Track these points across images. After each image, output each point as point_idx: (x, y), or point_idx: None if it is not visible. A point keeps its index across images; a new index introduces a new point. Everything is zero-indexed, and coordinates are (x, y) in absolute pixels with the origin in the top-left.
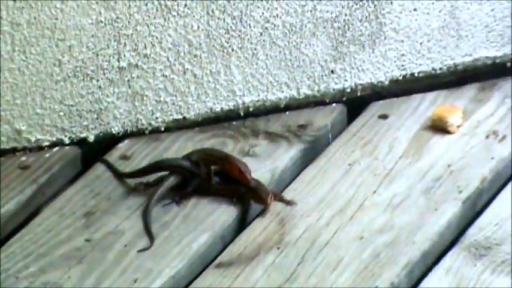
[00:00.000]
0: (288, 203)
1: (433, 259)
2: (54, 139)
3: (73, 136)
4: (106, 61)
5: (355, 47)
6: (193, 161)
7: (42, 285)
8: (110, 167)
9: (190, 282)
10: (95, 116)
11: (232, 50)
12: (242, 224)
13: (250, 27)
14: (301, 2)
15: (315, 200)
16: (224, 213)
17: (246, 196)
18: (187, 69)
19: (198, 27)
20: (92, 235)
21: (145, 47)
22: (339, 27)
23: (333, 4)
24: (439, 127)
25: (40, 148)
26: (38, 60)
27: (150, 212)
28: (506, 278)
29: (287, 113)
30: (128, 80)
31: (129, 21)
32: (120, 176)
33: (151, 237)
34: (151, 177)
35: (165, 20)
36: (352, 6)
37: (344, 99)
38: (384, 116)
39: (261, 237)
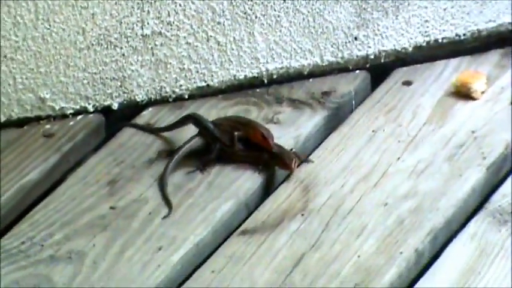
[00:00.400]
0: (307, 161)
1: (458, 225)
2: (78, 107)
3: (97, 104)
4: (129, 29)
5: (379, 14)
6: (217, 125)
7: (66, 253)
8: (140, 127)
9: (215, 250)
10: (119, 83)
11: (256, 17)
12: (266, 191)
13: None
14: None
15: (338, 167)
16: (248, 181)
17: (269, 162)
18: (211, 36)
19: None
20: (116, 203)
21: (169, 15)
22: None
23: None
24: (462, 93)
25: (64, 116)
26: (61, 28)
27: (166, 178)
28: None
29: (310, 80)
30: (152, 48)
31: None
32: (152, 131)
33: (169, 203)
34: (174, 145)
35: None
36: None
37: (367, 66)
38: (407, 83)
39: (285, 204)
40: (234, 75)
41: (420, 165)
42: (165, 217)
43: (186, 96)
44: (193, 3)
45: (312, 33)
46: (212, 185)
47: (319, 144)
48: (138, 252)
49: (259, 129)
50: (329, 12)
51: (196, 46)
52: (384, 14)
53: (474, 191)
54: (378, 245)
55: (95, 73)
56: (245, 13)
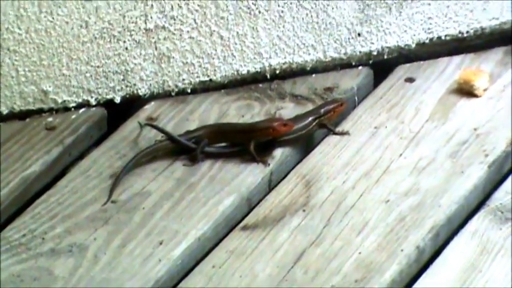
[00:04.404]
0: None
1: (459, 222)
2: (80, 100)
3: (99, 97)
4: (133, 23)
5: (382, 10)
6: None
7: (68, 246)
8: (161, 129)
9: (216, 245)
10: (122, 77)
11: (259, 12)
12: (268, 186)
13: None
14: None
15: (341, 163)
16: (250, 175)
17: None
18: (214, 31)
19: None
20: (117, 197)
21: (172, 9)
22: None
23: None
24: (465, 90)
25: (66, 109)
26: (64, 21)
27: (122, 174)
28: None
29: (313, 75)
30: (155, 42)
31: None
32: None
33: (110, 195)
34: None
35: None
36: None
37: (370, 62)
38: (410, 79)
39: (286, 199)
40: (237, 70)
41: (422, 162)
42: (103, 204)
43: (189, 91)
44: None
45: (315, 28)
46: (214, 179)
47: (322, 139)
48: (139, 246)
49: (275, 123)
50: (332, 8)
51: (200, 40)
52: (387, 10)
53: (476, 188)
54: (379, 241)
55: (98, 66)
56: (248, 8)
